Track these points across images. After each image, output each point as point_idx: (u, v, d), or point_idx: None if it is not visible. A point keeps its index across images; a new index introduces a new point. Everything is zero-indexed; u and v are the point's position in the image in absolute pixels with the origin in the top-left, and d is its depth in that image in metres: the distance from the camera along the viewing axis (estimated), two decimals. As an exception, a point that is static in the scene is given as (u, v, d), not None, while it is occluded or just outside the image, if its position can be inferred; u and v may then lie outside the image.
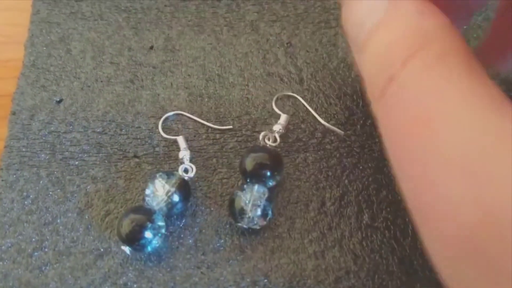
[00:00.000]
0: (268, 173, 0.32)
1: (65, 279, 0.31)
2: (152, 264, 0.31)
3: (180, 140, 0.34)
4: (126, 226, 0.30)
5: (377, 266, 0.31)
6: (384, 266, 0.31)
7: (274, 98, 0.35)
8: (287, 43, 0.38)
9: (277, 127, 0.34)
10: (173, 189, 0.31)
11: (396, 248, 0.32)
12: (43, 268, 0.31)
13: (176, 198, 0.32)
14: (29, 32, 0.38)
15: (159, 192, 0.31)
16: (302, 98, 0.36)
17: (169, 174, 0.32)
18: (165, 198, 0.31)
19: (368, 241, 0.32)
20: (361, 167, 0.34)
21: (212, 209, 0.33)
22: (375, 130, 0.35)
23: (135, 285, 0.31)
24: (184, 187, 0.32)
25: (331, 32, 0.38)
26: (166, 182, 0.32)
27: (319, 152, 0.34)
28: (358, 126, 0.35)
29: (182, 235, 0.32)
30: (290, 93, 0.36)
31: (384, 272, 0.31)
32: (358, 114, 0.36)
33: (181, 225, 0.33)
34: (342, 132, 0.34)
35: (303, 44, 0.38)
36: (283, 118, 0.34)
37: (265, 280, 0.31)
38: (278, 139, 0.34)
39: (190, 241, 0.32)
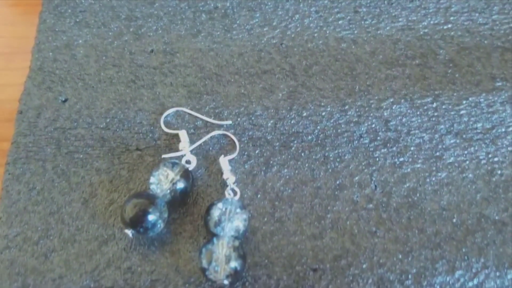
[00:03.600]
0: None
1: (70, 265, 0.31)
2: (155, 249, 0.32)
3: (182, 133, 0.36)
4: (129, 210, 0.31)
5: (373, 245, 0.32)
6: (381, 244, 0.32)
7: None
8: (281, 44, 0.40)
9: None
10: (177, 177, 0.33)
11: (392, 228, 0.33)
12: (49, 255, 0.32)
13: (180, 185, 0.33)
14: (36, 39, 0.40)
15: (163, 179, 0.33)
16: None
17: (173, 163, 0.33)
18: (170, 185, 0.32)
19: (365, 222, 0.33)
20: (354, 154, 0.35)
21: (212, 197, 0.34)
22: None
23: (139, 269, 0.31)
24: (187, 176, 0.33)
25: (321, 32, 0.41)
26: (171, 171, 0.33)
27: (313, 142, 0.36)
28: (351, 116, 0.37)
29: (184, 222, 0.33)
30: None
31: (380, 250, 0.32)
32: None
33: (183, 212, 0.34)
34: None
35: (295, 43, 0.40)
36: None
37: (266, 261, 0.32)
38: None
39: (192, 227, 0.33)
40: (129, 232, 0.31)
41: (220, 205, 0.31)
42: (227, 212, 0.31)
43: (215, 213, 0.31)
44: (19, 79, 0.40)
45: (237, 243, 0.30)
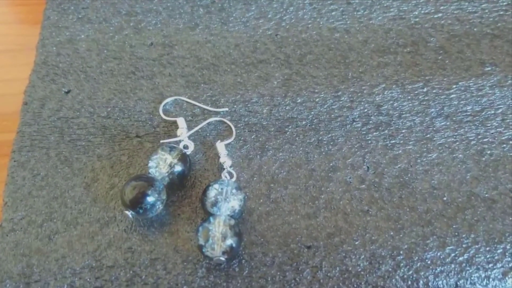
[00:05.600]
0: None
1: (72, 246, 0.33)
2: (154, 230, 0.33)
3: (180, 120, 0.37)
4: (129, 191, 0.32)
5: (366, 223, 0.33)
6: (373, 222, 0.33)
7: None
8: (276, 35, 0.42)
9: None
10: (175, 161, 0.34)
11: (384, 207, 0.34)
12: (52, 237, 0.33)
13: (178, 169, 0.34)
14: (40, 35, 0.42)
15: (162, 163, 0.34)
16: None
17: (171, 147, 0.34)
18: (168, 169, 0.34)
19: (357, 201, 0.34)
20: (347, 138, 0.37)
21: (209, 180, 0.35)
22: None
23: (139, 248, 0.33)
24: (185, 159, 0.34)
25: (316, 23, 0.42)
26: (169, 155, 0.34)
27: (307, 127, 0.37)
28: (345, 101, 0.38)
29: (182, 204, 0.34)
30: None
31: (372, 228, 0.33)
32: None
33: (181, 195, 0.35)
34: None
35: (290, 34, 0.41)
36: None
37: (262, 239, 0.33)
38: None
39: (190, 208, 0.34)
40: (128, 213, 0.32)
41: (216, 186, 0.33)
42: (223, 192, 0.32)
43: (212, 193, 0.32)
44: (25, 74, 0.41)
45: (233, 222, 0.31)
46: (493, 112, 0.38)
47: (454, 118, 0.37)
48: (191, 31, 0.42)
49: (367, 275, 0.31)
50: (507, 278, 0.31)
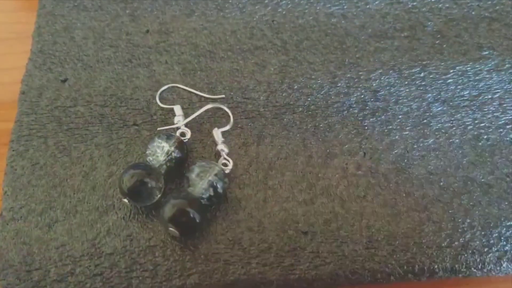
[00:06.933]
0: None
1: (72, 234, 0.33)
2: (153, 217, 0.34)
3: (177, 108, 0.37)
4: (127, 180, 0.32)
5: (363, 209, 0.33)
6: (370, 208, 0.33)
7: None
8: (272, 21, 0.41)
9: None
10: (172, 148, 0.34)
11: (380, 193, 0.34)
12: (52, 225, 0.33)
13: (175, 156, 0.34)
14: (36, 24, 0.42)
15: (159, 151, 0.34)
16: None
17: (168, 135, 0.34)
18: (166, 157, 0.34)
19: (354, 187, 0.34)
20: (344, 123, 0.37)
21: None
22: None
23: (138, 236, 0.33)
24: (182, 147, 0.35)
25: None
26: (166, 143, 0.34)
27: (304, 113, 0.37)
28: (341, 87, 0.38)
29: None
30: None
31: (369, 213, 0.33)
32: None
33: (179, 182, 0.35)
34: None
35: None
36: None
37: (260, 226, 0.33)
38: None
39: (188, 196, 0.34)
40: (127, 201, 0.33)
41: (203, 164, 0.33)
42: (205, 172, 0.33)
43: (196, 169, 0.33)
44: (21, 62, 0.41)
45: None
46: (490, 96, 0.38)
47: (451, 103, 0.37)
48: (188, 18, 0.42)
49: (364, 260, 0.32)
50: (502, 262, 0.32)
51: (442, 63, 0.39)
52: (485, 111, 0.37)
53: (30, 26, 0.43)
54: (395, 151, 0.36)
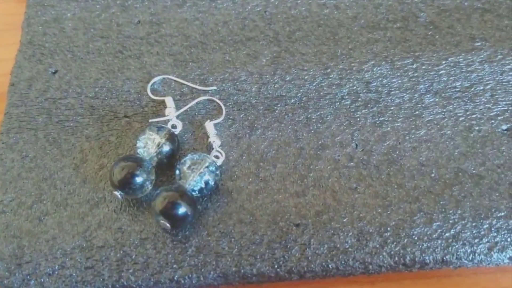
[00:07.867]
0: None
1: (63, 227, 0.33)
2: (144, 209, 0.34)
3: (168, 100, 0.37)
4: (117, 172, 0.32)
5: (354, 200, 0.33)
6: (361, 200, 0.33)
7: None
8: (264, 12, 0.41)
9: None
10: (163, 141, 0.34)
11: (372, 184, 0.34)
12: (42, 218, 0.33)
13: (166, 148, 0.34)
14: (25, 15, 0.41)
15: (150, 143, 0.34)
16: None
17: (159, 127, 0.34)
18: (156, 149, 0.34)
19: (346, 179, 0.34)
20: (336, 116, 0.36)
21: (199, 159, 0.35)
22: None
23: (128, 228, 0.33)
24: (173, 139, 0.34)
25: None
26: (157, 135, 0.34)
27: (296, 105, 0.37)
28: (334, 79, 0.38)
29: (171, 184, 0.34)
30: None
31: (360, 205, 0.33)
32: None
33: (170, 175, 0.35)
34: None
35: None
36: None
37: (251, 218, 0.33)
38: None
39: (179, 188, 0.34)
40: (118, 194, 0.32)
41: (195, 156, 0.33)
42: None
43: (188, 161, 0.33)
44: (11, 54, 0.41)
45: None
46: (482, 88, 0.37)
47: (443, 95, 0.37)
48: (179, 9, 0.41)
49: (355, 252, 0.32)
50: (492, 252, 0.32)
51: (435, 54, 0.39)
52: (477, 102, 0.37)
53: (19, 17, 0.42)
54: (387, 142, 0.35)
